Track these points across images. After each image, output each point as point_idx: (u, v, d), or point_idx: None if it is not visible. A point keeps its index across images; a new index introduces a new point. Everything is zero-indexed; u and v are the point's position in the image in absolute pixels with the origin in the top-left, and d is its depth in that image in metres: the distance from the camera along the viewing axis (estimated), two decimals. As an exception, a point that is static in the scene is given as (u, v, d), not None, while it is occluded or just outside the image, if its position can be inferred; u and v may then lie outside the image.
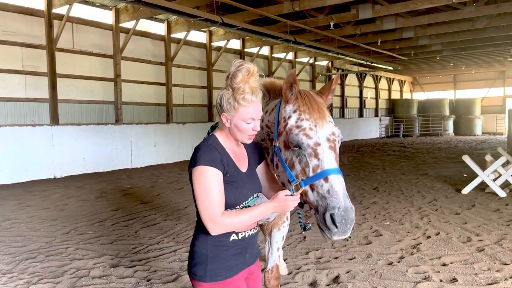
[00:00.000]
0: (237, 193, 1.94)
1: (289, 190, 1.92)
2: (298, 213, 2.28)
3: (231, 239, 1.96)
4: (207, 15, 11.82)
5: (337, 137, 2.07)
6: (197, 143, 2.18)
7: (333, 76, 20.65)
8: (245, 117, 1.90)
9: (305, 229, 2.12)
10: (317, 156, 1.98)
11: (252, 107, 1.90)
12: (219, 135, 2.00)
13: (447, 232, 5.49)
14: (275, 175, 2.23)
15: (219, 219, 1.81)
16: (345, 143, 23.91)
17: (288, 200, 1.86)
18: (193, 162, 1.88)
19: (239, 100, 1.89)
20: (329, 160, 1.97)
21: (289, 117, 2.10)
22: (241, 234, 1.98)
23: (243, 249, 2.01)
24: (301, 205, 2.12)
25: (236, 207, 1.95)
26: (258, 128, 1.96)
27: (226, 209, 1.90)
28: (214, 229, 1.83)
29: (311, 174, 1.98)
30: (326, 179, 1.95)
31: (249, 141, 1.99)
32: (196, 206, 1.92)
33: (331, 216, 1.87)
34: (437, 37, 19.63)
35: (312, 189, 1.97)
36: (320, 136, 2.01)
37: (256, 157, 2.16)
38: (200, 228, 1.96)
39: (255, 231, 2.08)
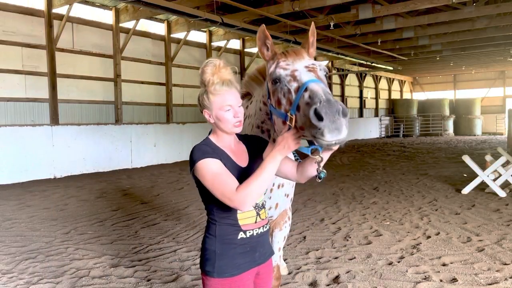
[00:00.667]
0: None
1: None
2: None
3: (239, 237, 2.00)
4: (207, 15, 11.83)
5: (318, 65, 2.03)
6: (198, 141, 2.19)
7: (333, 76, 20.44)
8: (221, 105, 1.95)
9: (320, 178, 1.97)
10: (295, 79, 1.95)
11: (225, 95, 1.95)
12: (212, 137, 2.07)
13: (447, 232, 5.49)
14: (279, 134, 2.11)
15: (237, 196, 1.82)
16: (345, 143, 23.88)
17: (286, 136, 1.84)
18: (191, 164, 1.96)
19: (211, 91, 1.96)
20: (307, 75, 1.92)
21: (270, 69, 2.11)
22: (249, 232, 2.01)
23: (252, 248, 2.03)
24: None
25: None
26: (241, 115, 1.98)
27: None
28: (240, 206, 1.84)
29: (293, 97, 1.92)
30: (306, 90, 1.83)
31: (237, 130, 2.00)
32: (205, 207, 2.04)
33: (315, 111, 1.69)
34: (437, 37, 19.63)
35: (299, 109, 1.84)
36: (297, 66, 2.01)
37: (255, 149, 2.14)
38: (210, 226, 2.03)
39: (265, 229, 2.09)
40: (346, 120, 1.72)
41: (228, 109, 1.96)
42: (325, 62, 25.28)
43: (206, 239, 2.05)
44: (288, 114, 1.90)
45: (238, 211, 1.99)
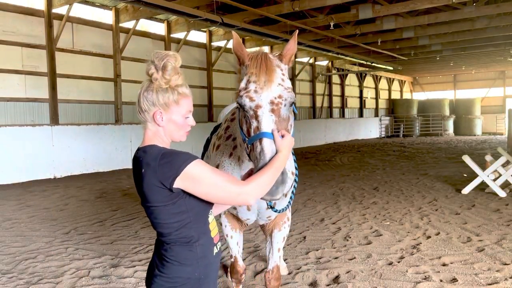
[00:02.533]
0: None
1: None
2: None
3: (214, 253, 1.84)
4: (207, 15, 11.82)
5: (284, 100, 2.04)
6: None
7: (333, 76, 20.46)
8: (186, 110, 1.79)
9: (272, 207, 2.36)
10: (257, 119, 2.00)
11: (190, 99, 1.82)
12: (160, 144, 1.77)
13: (447, 232, 5.48)
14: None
15: (246, 188, 1.66)
16: (345, 143, 23.93)
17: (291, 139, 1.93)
18: (173, 173, 1.63)
19: (179, 92, 1.76)
20: (267, 123, 1.97)
21: (241, 80, 2.13)
22: (218, 244, 1.89)
23: (218, 263, 1.91)
24: None
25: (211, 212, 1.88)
26: (194, 122, 1.86)
27: (202, 211, 1.79)
28: (248, 198, 1.68)
29: (252, 134, 2.01)
30: (260, 141, 1.93)
31: (185, 138, 1.85)
32: (175, 233, 1.72)
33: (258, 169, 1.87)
34: (437, 37, 19.63)
35: (253, 148, 1.99)
36: (263, 99, 2.01)
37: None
38: (182, 253, 1.74)
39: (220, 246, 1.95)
40: (283, 187, 1.86)
41: (189, 116, 1.81)
42: (325, 62, 25.27)
43: (180, 268, 1.72)
44: (246, 141, 2.06)
45: (209, 219, 1.84)
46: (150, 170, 1.66)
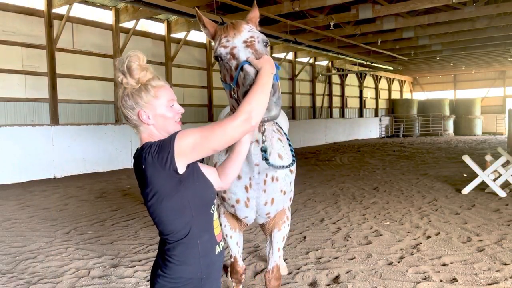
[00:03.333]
0: (208, 186, 1.84)
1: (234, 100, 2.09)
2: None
3: (216, 252, 1.82)
4: (207, 15, 11.81)
5: (256, 38, 2.12)
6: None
7: (333, 76, 20.47)
8: (168, 99, 1.77)
9: (267, 159, 2.33)
10: (234, 57, 2.07)
11: (167, 88, 1.80)
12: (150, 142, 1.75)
13: (447, 232, 5.48)
14: (229, 105, 2.38)
15: (243, 114, 1.63)
16: (345, 143, 23.92)
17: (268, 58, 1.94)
18: (168, 155, 1.63)
19: (153, 85, 1.75)
20: (244, 55, 2.04)
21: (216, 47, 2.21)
22: (221, 243, 1.87)
23: (221, 263, 1.89)
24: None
25: (214, 202, 1.87)
26: (182, 109, 1.84)
27: (204, 206, 1.79)
28: (254, 118, 1.65)
29: (234, 73, 2.05)
30: (242, 69, 1.98)
31: (179, 127, 1.82)
32: (175, 230, 1.71)
33: (244, 93, 1.87)
34: (437, 37, 19.63)
35: (238, 85, 2.03)
36: (236, 41, 2.10)
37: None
38: (185, 252, 1.73)
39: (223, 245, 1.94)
40: (276, 98, 1.91)
41: (173, 104, 1.79)
42: (325, 62, 25.26)
43: (182, 267, 1.72)
44: (232, 85, 2.09)
45: (214, 217, 1.83)
46: (149, 163, 1.66)
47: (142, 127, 1.78)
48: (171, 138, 1.65)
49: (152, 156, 1.65)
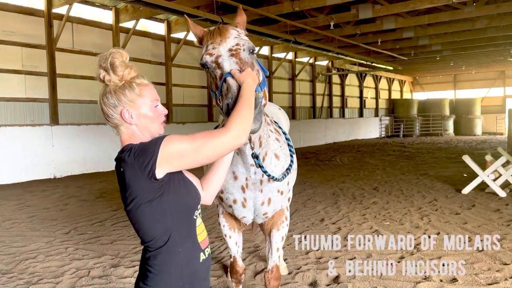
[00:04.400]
0: (191, 191, 1.79)
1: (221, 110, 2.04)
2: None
3: (201, 260, 1.75)
4: (207, 15, 11.83)
5: (242, 46, 2.11)
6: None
7: (333, 76, 20.45)
8: (152, 98, 1.72)
9: (260, 165, 2.35)
10: (219, 66, 2.07)
11: (151, 87, 1.76)
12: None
13: (447, 232, 5.48)
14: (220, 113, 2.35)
15: (231, 131, 1.60)
16: (345, 143, 23.92)
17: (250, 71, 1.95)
18: (150, 160, 1.57)
19: (138, 83, 1.70)
20: (228, 65, 2.04)
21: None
22: (206, 250, 1.81)
23: (207, 271, 1.82)
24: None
25: (198, 206, 1.82)
26: (165, 110, 1.81)
27: (186, 211, 1.73)
28: (239, 137, 1.63)
29: (219, 83, 2.04)
30: (225, 81, 1.98)
31: (162, 129, 1.78)
32: (155, 237, 1.65)
33: (227, 107, 1.89)
34: (437, 37, 19.63)
35: (222, 95, 2.03)
36: (221, 49, 2.09)
37: None
38: (170, 257, 1.67)
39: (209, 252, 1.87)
40: (256, 112, 1.90)
41: (157, 104, 1.75)
42: (325, 62, 25.25)
43: (163, 277, 1.66)
44: (217, 93, 2.07)
45: (197, 222, 1.77)
46: (128, 166, 1.61)
47: (123, 127, 1.73)
48: (157, 142, 1.59)
49: (133, 159, 1.60)
